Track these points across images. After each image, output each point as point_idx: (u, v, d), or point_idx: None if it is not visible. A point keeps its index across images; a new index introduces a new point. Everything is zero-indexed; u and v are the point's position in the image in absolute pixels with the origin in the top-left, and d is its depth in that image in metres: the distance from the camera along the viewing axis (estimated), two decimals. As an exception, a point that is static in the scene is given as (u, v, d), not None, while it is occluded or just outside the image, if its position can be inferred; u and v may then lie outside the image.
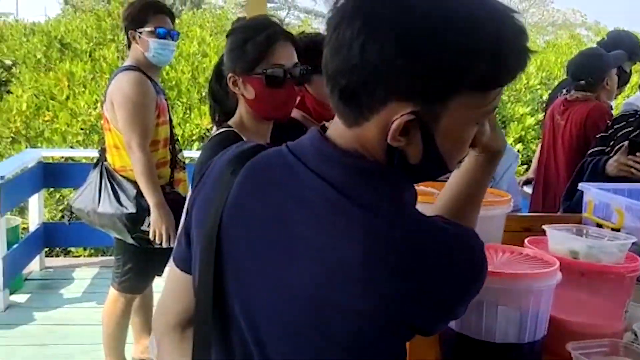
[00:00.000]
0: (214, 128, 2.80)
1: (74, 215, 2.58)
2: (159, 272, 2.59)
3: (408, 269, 0.67)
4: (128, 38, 2.39)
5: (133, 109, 2.29)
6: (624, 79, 2.91)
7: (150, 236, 2.33)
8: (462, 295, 0.71)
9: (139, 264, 2.48)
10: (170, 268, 0.89)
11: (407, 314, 0.68)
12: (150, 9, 2.38)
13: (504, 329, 1.03)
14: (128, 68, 2.37)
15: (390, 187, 0.72)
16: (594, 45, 3.18)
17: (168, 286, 0.90)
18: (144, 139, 2.30)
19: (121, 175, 2.38)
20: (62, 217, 4.79)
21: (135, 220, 2.34)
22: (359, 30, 0.65)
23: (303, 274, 0.70)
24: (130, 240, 2.39)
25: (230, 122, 1.49)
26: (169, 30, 2.39)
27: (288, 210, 0.73)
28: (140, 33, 2.34)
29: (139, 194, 2.34)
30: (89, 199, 2.39)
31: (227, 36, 1.52)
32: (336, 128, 0.74)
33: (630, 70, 2.99)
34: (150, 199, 2.32)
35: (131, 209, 2.33)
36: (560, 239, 1.20)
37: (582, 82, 2.62)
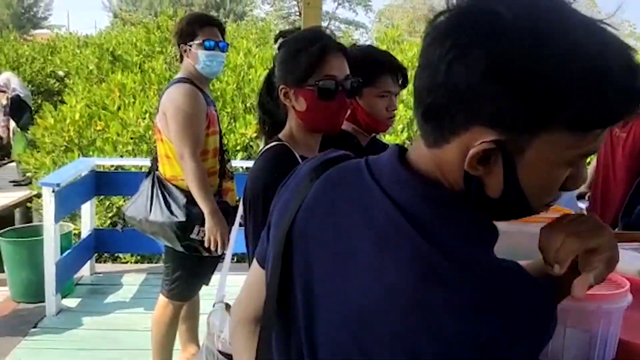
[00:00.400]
0: (263, 140, 2.85)
1: (126, 222, 2.65)
2: (207, 281, 2.63)
3: (463, 311, 0.62)
4: (180, 52, 2.46)
5: (184, 120, 2.34)
6: None
7: (205, 243, 2.37)
8: (511, 345, 0.63)
9: (187, 271, 2.52)
10: (253, 264, 0.92)
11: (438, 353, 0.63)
12: (198, 22, 2.45)
13: (572, 352, 1.00)
14: (180, 80, 2.43)
15: (461, 221, 0.68)
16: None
17: (248, 280, 0.93)
18: (195, 149, 2.34)
19: (172, 184, 2.43)
20: (111, 224, 4.93)
21: (185, 229, 2.39)
22: (448, 50, 0.63)
23: (356, 291, 0.69)
24: (179, 248, 2.43)
25: (280, 135, 1.49)
26: (217, 42, 2.44)
27: (355, 225, 0.72)
28: (190, 46, 2.40)
29: (189, 202, 2.38)
30: (141, 207, 2.45)
31: (279, 48, 1.52)
32: (417, 147, 0.72)
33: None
34: (204, 207, 2.35)
35: (181, 217, 2.38)
36: (628, 259, 1.15)
37: None
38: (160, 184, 2.44)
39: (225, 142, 5.69)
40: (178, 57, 2.53)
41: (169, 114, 2.37)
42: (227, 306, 1.61)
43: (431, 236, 0.65)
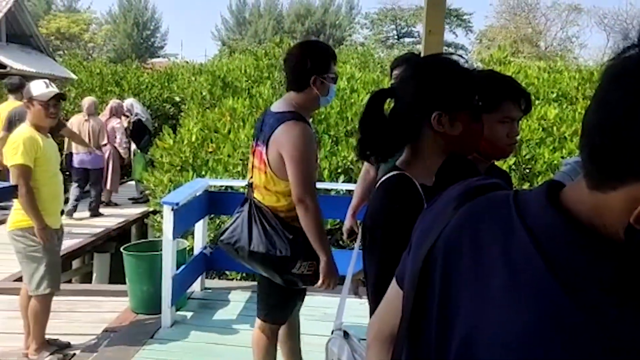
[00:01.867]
0: (370, 165, 2.83)
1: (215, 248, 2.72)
2: (301, 303, 2.70)
3: None
4: (300, 81, 2.40)
5: (307, 165, 2.34)
6: None
7: (319, 285, 2.41)
8: None
9: (283, 300, 2.58)
10: (392, 283, 0.94)
11: None
12: (331, 54, 2.45)
13: None
14: (294, 117, 2.37)
15: (609, 272, 0.63)
16: None
17: (387, 297, 0.96)
18: (315, 194, 2.35)
19: (272, 213, 2.43)
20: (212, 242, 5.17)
21: (287, 264, 2.40)
22: (631, 92, 0.60)
23: (488, 324, 0.68)
24: (278, 280, 2.45)
25: (398, 163, 1.49)
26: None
27: (493, 259, 0.71)
28: (324, 78, 2.37)
29: (294, 237, 2.39)
30: (240, 235, 2.46)
31: (413, 77, 1.49)
32: (577, 186, 0.68)
33: None
34: (323, 254, 2.37)
35: (286, 252, 2.38)
36: None
37: None
38: (260, 213, 2.43)
39: (327, 164, 5.85)
40: (283, 82, 2.54)
41: (287, 154, 2.32)
42: (346, 333, 1.61)
43: (571, 286, 0.63)
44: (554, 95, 7.03)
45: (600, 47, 27.79)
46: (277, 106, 2.45)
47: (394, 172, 1.47)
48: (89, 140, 7.14)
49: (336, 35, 27.89)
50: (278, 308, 2.59)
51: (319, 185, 5.68)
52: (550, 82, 7.32)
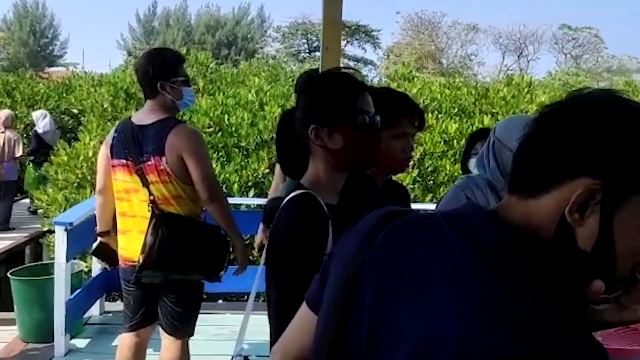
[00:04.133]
0: (280, 185, 2.86)
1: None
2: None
3: None
4: (150, 89, 2.40)
5: (210, 163, 2.45)
6: None
7: (239, 272, 2.57)
8: None
9: (196, 310, 2.61)
10: (302, 306, 0.92)
11: None
12: (179, 60, 2.51)
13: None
14: (178, 121, 2.47)
15: (545, 272, 0.71)
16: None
17: (296, 322, 0.94)
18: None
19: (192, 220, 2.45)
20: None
21: (224, 261, 2.51)
22: (564, 108, 0.74)
23: (416, 332, 0.71)
24: (195, 278, 2.51)
25: (303, 181, 1.47)
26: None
27: (430, 267, 0.74)
28: (173, 82, 2.40)
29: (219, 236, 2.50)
30: (171, 261, 2.43)
31: (300, 92, 1.52)
32: (507, 199, 0.77)
33: None
34: (239, 241, 2.54)
35: (219, 253, 2.48)
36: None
37: None
38: (177, 225, 2.38)
39: (237, 178, 5.77)
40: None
41: (191, 156, 2.33)
42: (246, 359, 1.58)
43: (505, 282, 0.68)
44: (455, 110, 7.38)
45: (497, 64, 29.75)
46: (144, 118, 2.42)
47: (299, 192, 1.44)
48: (4, 152, 6.88)
49: (248, 47, 27.81)
50: (190, 319, 2.51)
51: (229, 200, 5.61)
52: (451, 97, 7.69)
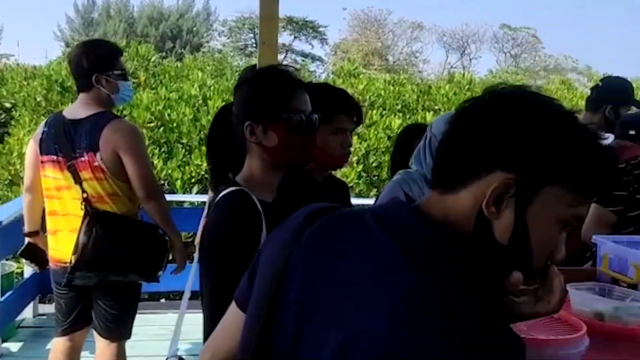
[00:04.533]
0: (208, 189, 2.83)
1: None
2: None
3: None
4: (84, 82, 2.33)
5: (148, 159, 2.39)
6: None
7: (178, 270, 2.50)
8: None
9: (133, 311, 2.54)
10: (231, 305, 0.92)
11: None
12: (116, 53, 2.42)
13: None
14: (114, 116, 2.38)
15: (463, 266, 0.73)
16: (587, 89, 3.19)
17: (225, 320, 0.93)
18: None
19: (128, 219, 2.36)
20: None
21: (163, 259, 2.45)
22: (479, 115, 0.77)
23: (339, 328, 0.71)
24: (135, 279, 2.44)
25: (238, 178, 1.45)
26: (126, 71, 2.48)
27: (354, 264, 0.75)
28: (108, 76, 2.32)
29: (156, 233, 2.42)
30: (105, 260, 2.34)
31: (237, 87, 1.50)
32: (429, 195, 0.80)
33: (625, 116, 3.00)
34: (178, 240, 2.47)
35: (156, 251, 2.41)
36: (583, 300, 1.16)
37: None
38: (110, 223, 2.30)
39: (180, 175, 5.65)
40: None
41: (127, 151, 2.26)
42: (181, 359, 1.55)
43: (428, 276, 0.69)
44: (399, 106, 7.50)
45: (441, 62, 30.36)
46: (78, 112, 2.33)
47: (232, 188, 1.42)
48: None
49: (193, 41, 27.24)
50: (126, 321, 2.43)
51: (171, 197, 5.48)
52: (395, 94, 7.80)
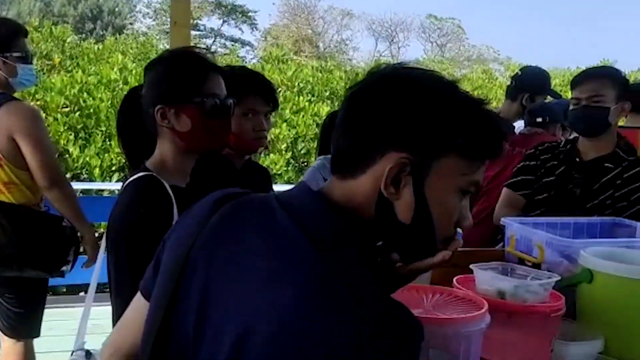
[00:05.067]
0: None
1: None
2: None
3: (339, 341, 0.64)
4: None
5: (50, 145, 2.23)
6: None
7: (88, 264, 2.31)
8: None
9: (40, 306, 2.39)
10: (136, 297, 0.89)
11: None
12: (16, 32, 2.26)
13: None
14: (11, 97, 2.21)
15: (364, 250, 0.74)
16: (507, 79, 3.33)
17: (130, 312, 0.90)
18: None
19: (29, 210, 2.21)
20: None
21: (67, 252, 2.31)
22: (366, 97, 0.78)
23: (242, 315, 0.70)
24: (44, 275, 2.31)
25: (147, 163, 1.39)
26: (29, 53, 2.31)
27: (258, 250, 0.74)
28: (6, 58, 2.19)
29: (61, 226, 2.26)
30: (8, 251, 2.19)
31: (147, 68, 1.44)
32: (329, 182, 0.80)
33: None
34: (88, 230, 2.32)
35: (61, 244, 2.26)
36: (487, 279, 1.20)
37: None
38: (7, 213, 2.15)
39: (99, 162, 5.40)
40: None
41: (25, 136, 2.13)
42: (88, 353, 1.50)
43: (333, 261, 0.70)
44: (327, 93, 7.53)
45: (370, 50, 30.79)
46: None
47: (141, 174, 1.36)
48: None
49: (115, 22, 26.07)
50: (32, 319, 2.30)
51: (90, 185, 5.24)
52: (323, 81, 7.83)
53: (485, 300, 1.11)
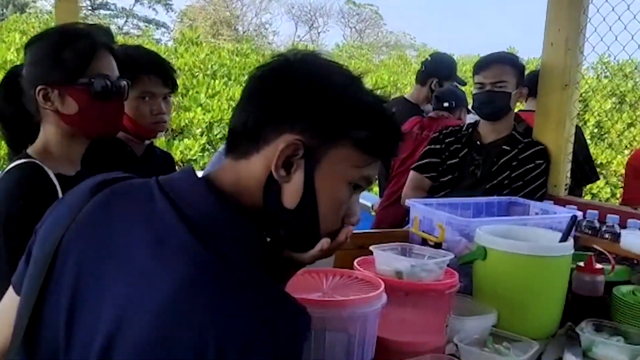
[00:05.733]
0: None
1: None
2: None
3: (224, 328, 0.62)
4: None
5: None
6: None
7: None
8: None
9: None
10: (8, 291, 0.84)
11: None
12: None
13: (333, 354, 1.02)
14: None
15: (244, 235, 0.73)
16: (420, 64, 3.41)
17: (1, 308, 0.85)
18: None
19: None
20: None
21: None
22: (268, 78, 0.77)
23: (118, 301, 0.67)
24: None
25: (30, 150, 1.29)
26: None
27: (135, 237, 0.71)
28: None
29: None
30: None
31: (28, 46, 1.32)
32: (222, 163, 0.78)
33: (449, 90, 3.26)
34: None
35: None
36: (385, 260, 1.22)
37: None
38: None
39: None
40: None
41: None
42: None
43: (213, 249, 0.67)
44: (244, 77, 7.40)
45: (290, 35, 30.64)
46: None
47: (21, 161, 1.26)
48: None
49: (17, 0, 24.27)
50: None
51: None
52: (240, 64, 7.69)
53: (382, 280, 1.13)
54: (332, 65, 0.79)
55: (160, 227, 0.71)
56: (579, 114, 2.60)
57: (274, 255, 0.79)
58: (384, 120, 0.78)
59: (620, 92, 7.37)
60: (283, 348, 0.64)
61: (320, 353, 1.00)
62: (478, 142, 2.21)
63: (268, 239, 0.79)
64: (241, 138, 0.76)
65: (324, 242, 0.78)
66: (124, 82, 1.34)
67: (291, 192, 0.74)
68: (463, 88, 3.24)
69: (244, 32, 28.81)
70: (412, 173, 2.34)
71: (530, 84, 2.37)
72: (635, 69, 7.50)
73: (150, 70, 1.61)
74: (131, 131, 1.63)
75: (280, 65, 0.78)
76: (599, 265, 1.47)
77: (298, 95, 0.74)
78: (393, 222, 2.77)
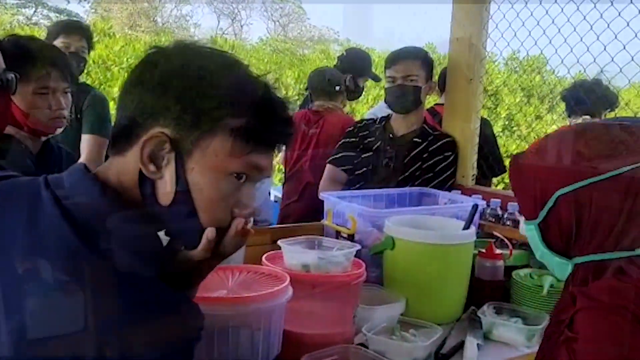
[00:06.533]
0: None
1: None
2: None
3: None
4: None
5: None
6: (358, 92, 3.22)
7: None
8: None
9: None
10: None
11: None
12: None
13: (238, 350, 1.00)
14: None
15: (122, 232, 0.71)
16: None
17: None
18: None
19: None
20: None
21: None
22: (142, 71, 0.75)
23: None
24: None
25: None
26: None
27: (15, 235, 0.68)
28: None
29: None
30: None
31: None
32: (109, 159, 0.76)
33: (363, 86, 3.31)
34: None
35: None
36: (293, 254, 1.22)
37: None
38: None
39: None
40: None
41: None
42: None
43: (91, 242, 0.66)
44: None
45: (212, 27, 30.06)
46: None
47: None
48: None
49: None
50: None
51: None
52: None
53: (290, 274, 1.12)
54: (210, 54, 0.76)
55: (44, 230, 0.68)
56: (491, 107, 2.72)
57: (171, 256, 0.76)
58: (264, 108, 0.74)
59: (528, 86, 7.80)
60: None
61: (225, 350, 0.99)
62: (391, 135, 2.26)
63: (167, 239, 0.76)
64: (119, 133, 0.74)
65: (208, 232, 0.73)
66: (10, 75, 1.25)
67: (165, 188, 0.72)
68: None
69: (163, 24, 27.96)
70: (328, 166, 2.36)
71: (445, 78, 2.45)
72: (547, 64, 7.97)
73: (48, 63, 1.51)
74: (26, 127, 1.53)
75: (154, 57, 0.76)
76: (498, 251, 1.55)
77: (164, 87, 0.72)
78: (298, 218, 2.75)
